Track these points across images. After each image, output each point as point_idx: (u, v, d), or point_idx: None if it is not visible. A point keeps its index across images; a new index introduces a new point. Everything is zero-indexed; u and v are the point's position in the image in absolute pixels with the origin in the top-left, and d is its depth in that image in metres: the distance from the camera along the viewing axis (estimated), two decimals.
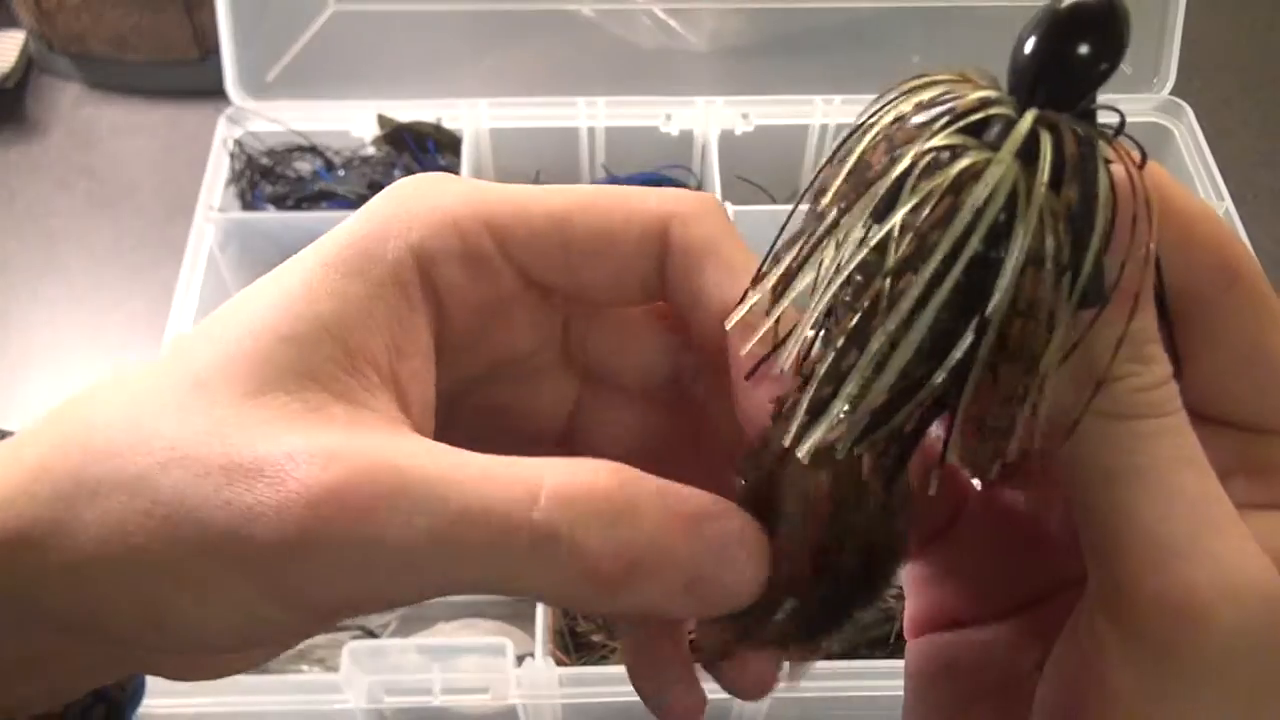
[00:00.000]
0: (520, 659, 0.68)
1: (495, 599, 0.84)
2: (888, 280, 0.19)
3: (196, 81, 1.07)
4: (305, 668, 0.79)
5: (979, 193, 0.18)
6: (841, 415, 0.20)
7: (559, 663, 0.70)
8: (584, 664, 0.78)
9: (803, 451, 0.20)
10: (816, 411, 0.20)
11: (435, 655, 0.70)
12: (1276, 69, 1.21)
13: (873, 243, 0.19)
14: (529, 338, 0.26)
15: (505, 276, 0.24)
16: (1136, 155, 0.20)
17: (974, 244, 0.19)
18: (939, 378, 0.19)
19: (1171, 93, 0.97)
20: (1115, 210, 0.19)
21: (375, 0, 1.00)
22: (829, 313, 0.20)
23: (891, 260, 0.19)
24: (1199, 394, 0.22)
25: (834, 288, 0.20)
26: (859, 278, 0.20)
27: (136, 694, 0.25)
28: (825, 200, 0.20)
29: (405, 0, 1.00)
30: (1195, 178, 0.94)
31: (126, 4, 1.06)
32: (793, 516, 0.22)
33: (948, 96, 0.20)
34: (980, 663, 0.25)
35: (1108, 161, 0.19)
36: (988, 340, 0.19)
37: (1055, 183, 0.19)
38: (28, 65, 1.14)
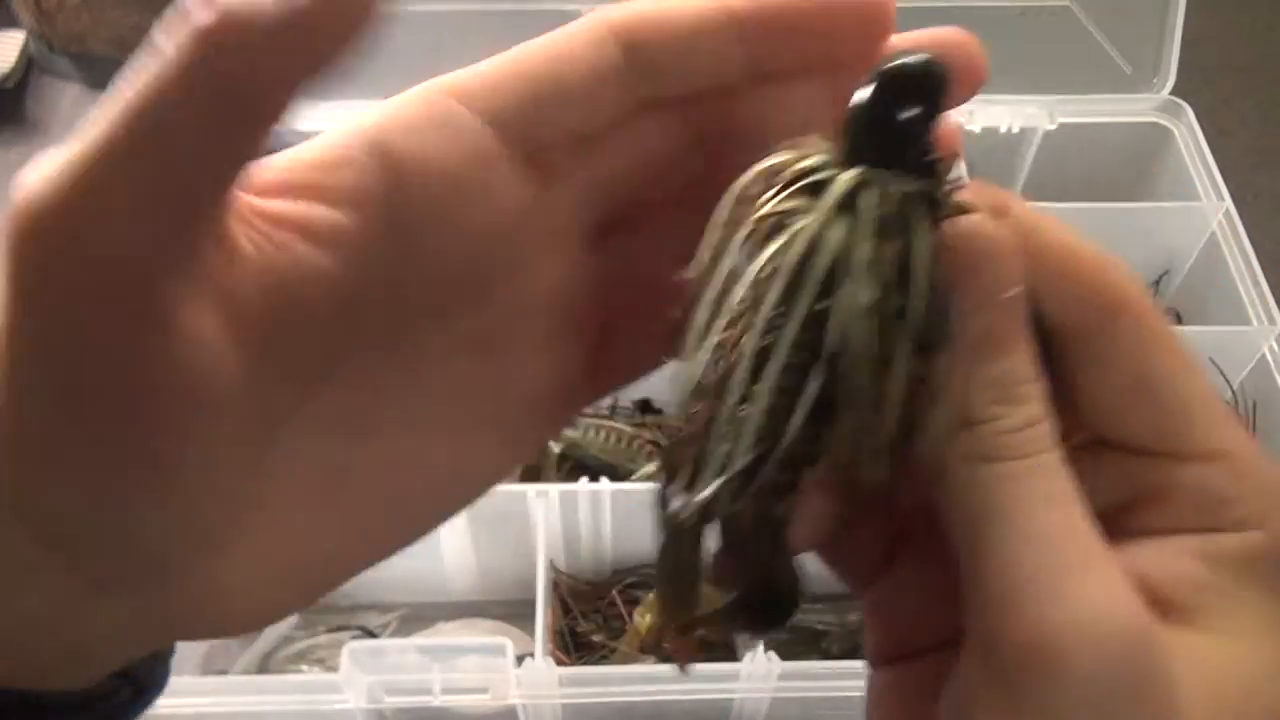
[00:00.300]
0: (520, 659, 0.68)
1: (495, 599, 0.84)
2: (743, 342, 0.20)
3: None
4: (305, 668, 0.79)
5: (796, 251, 0.20)
6: (716, 475, 0.21)
7: (559, 663, 0.70)
8: (584, 664, 0.78)
9: (685, 515, 0.21)
10: (697, 470, 0.21)
11: (435, 655, 0.70)
12: (1276, 69, 1.21)
13: (722, 309, 0.21)
14: (511, 203, 0.24)
15: (477, 135, 0.23)
16: (998, 202, 0.21)
17: (804, 302, 0.20)
18: (787, 435, 0.20)
19: (1171, 93, 0.97)
20: (938, 258, 0.20)
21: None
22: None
23: (730, 322, 0.20)
24: (1093, 422, 0.22)
25: (704, 352, 0.21)
26: (716, 340, 0.21)
27: (163, 677, 0.25)
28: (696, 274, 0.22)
29: (405, 0, 1.00)
30: (1195, 178, 0.94)
31: (126, 4, 1.06)
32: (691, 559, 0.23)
33: (786, 164, 0.21)
34: (935, 692, 0.25)
35: (943, 214, 0.20)
36: (868, 393, 0.20)
37: (885, 237, 0.20)
38: (28, 65, 1.14)
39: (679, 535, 0.22)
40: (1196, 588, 0.21)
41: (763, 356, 0.20)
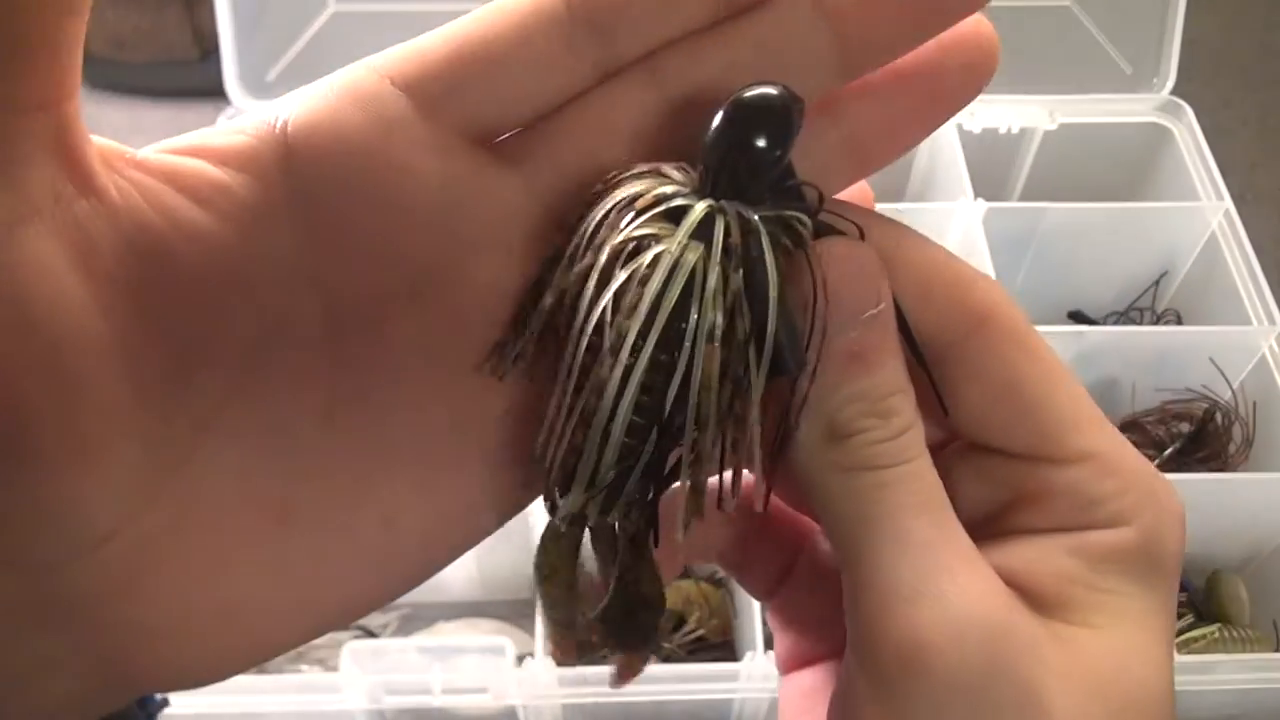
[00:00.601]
0: (520, 659, 0.68)
1: (495, 599, 0.84)
2: (606, 364, 0.21)
3: (196, 81, 1.07)
4: (305, 668, 0.79)
5: (652, 281, 0.21)
6: (583, 487, 0.22)
7: (559, 663, 0.70)
8: (584, 664, 0.78)
9: (558, 519, 0.22)
10: (567, 481, 0.22)
11: (435, 655, 0.70)
12: (1276, 69, 1.21)
13: (584, 331, 0.21)
14: (437, 181, 0.22)
15: (386, 102, 0.21)
16: (860, 222, 0.21)
17: (658, 328, 0.20)
18: (647, 452, 0.21)
19: (1171, 93, 0.97)
20: (793, 282, 0.21)
21: (375, 0, 1.00)
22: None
23: (591, 343, 0.21)
24: (968, 428, 0.23)
25: (566, 373, 0.21)
26: (580, 360, 0.21)
27: None
28: (549, 299, 0.22)
29: (405, 0, 1.00)
30: (1195, 178, 0.94)
31: (126, 4, 1.07)
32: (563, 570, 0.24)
33: (647, 190, 0.21)
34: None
35: (804, 238, 0.21)
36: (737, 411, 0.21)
37: (735, 265, 0.21)
38: None
39: (553, 540, 0.23)
40: (1071, 583, 0.22)
41: (625, 377, 0.21)
